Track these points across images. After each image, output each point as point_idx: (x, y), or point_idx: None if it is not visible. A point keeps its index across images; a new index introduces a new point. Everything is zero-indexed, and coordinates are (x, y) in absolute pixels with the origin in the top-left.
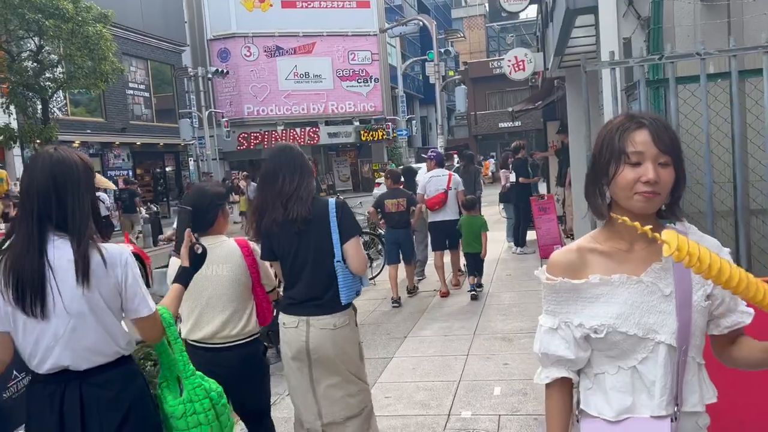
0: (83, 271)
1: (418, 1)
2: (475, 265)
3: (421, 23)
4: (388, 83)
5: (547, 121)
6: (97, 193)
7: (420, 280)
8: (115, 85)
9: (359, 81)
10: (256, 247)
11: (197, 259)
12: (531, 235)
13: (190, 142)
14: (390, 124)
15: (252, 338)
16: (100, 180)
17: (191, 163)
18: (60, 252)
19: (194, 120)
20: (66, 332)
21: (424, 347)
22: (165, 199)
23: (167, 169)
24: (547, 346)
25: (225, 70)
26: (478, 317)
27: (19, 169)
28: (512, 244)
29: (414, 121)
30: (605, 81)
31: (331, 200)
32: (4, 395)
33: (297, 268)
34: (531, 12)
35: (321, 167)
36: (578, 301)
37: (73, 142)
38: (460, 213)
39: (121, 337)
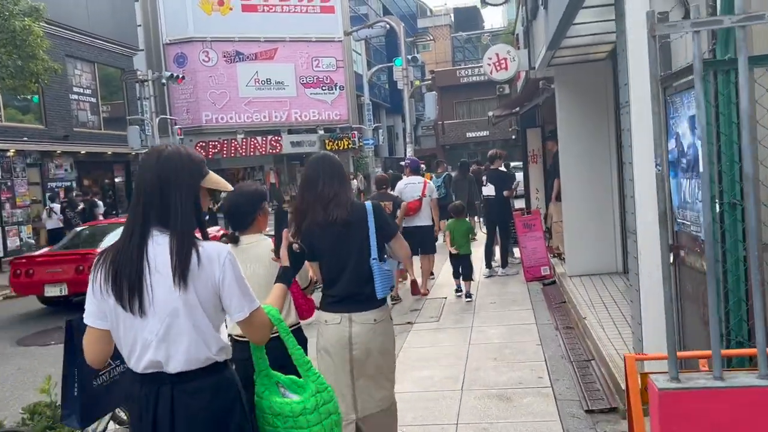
0: (181, 271)
1: (384, 9)
2: (464, 268)
3: (387, 26)
4: (353, 91)
5: (526, 129)
6: (51, 205)
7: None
8: (56, 89)
9: (323, 88)
10: None
11: (297, 258)
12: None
13: (141, 151)
14: (356, 132)
15: (292, 329)
16: (213, 179)
17: None
18: (160, 248)
19: (147, 128)
20: (161, 331)
21: (400, 411)
22: (114, 212)
23: (117, 180)
24: None
25: (180, 75)
26: (464, 363)
27: None
28: (496, 266)
29: (380, 130)
30: (637, 65)
31: (368, 203)
32: (96, 382)
33: (338, 267)
34: (496, 21)
35: (284, 177)
36: None
37: (8, 150)
38: (433, 220)
39: (214, 342)
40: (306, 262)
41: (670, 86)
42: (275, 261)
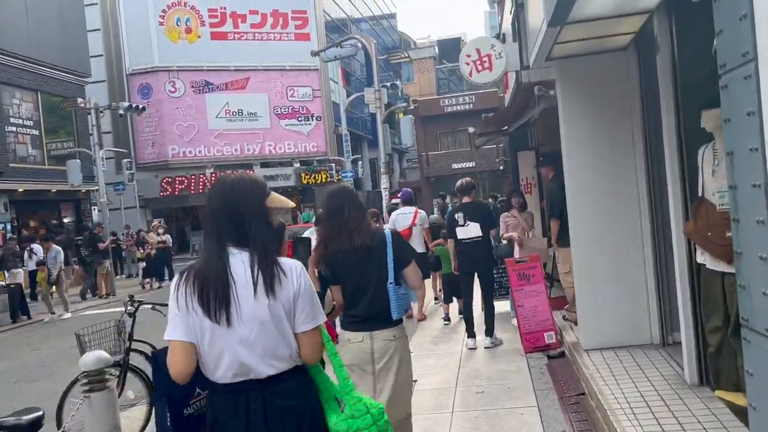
0: (270, 282)
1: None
2: (453, 287)
3: (359, 44)
4: (331, 122)
5: (517, 152)
6: (32, 246)
7: None
8: None
9: (299, 119)
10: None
11: (324, 283)
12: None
13: (92, 188)
14: (333, 165)
15: None
16: (276, 198)
17: (95, 212)
18: (242, 265)
19: (102, 162)
20: (250, 338)
21: None
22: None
23: (65, 219)
24: None
25: (140, 106)
26: None
27: None
28: (485, 338)
29: (360, 162)
30: None
31: (387, 231)
32: (186, 411)
33: (360, 290)
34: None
35: None
36: None
37: None
38: (427, 247)
39: (294, 347)
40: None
41: None
42: None
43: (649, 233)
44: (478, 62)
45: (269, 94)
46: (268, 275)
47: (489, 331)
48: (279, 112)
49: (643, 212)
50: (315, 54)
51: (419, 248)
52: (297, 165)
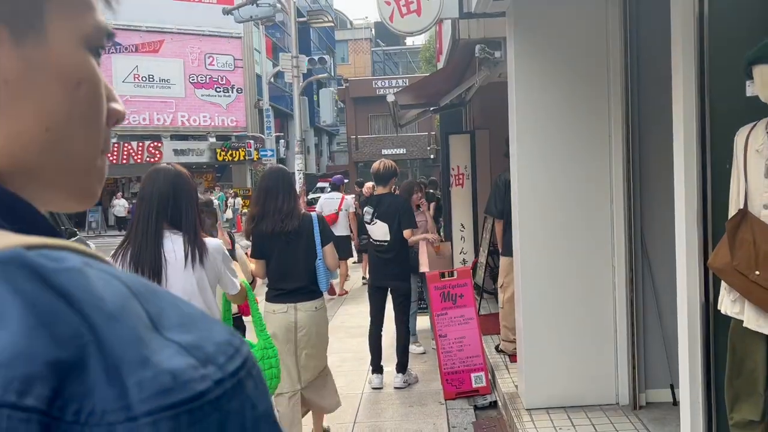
0: (199, 256)
1: (298, 13)
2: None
3: (279, 5)
4: (254, 95)
5: (449, 134)
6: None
7: None
8: None
9: (218, 90)
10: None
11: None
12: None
13: None
14: (251, 142)
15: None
16: None
17: None
18: (172, 245)
19: None
20: None
21: None
22: None
23: None
24: None
25: None
26: None
27: None
28: (395, 375)
29: (284, 141)
30: None
31: (313, 214)
32: None
33: (287, 266)
34: (417, 38)
35: None
36: None
37: None
38: (352, 231)
39: (217, 315)
40: (236, 263)
41: None
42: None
43: (624, 252)
44: (401, 2)
45: (185, 60)
46: (198, 250)
47: (401, 367)
48: (195, 80)
49: (617, 222)
50: (228, 12)
51: (345, 232)
52: (213, 140)
